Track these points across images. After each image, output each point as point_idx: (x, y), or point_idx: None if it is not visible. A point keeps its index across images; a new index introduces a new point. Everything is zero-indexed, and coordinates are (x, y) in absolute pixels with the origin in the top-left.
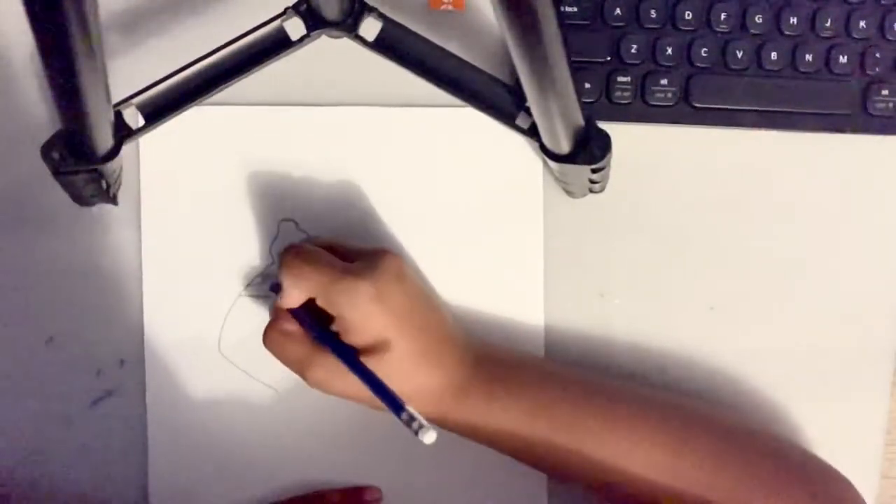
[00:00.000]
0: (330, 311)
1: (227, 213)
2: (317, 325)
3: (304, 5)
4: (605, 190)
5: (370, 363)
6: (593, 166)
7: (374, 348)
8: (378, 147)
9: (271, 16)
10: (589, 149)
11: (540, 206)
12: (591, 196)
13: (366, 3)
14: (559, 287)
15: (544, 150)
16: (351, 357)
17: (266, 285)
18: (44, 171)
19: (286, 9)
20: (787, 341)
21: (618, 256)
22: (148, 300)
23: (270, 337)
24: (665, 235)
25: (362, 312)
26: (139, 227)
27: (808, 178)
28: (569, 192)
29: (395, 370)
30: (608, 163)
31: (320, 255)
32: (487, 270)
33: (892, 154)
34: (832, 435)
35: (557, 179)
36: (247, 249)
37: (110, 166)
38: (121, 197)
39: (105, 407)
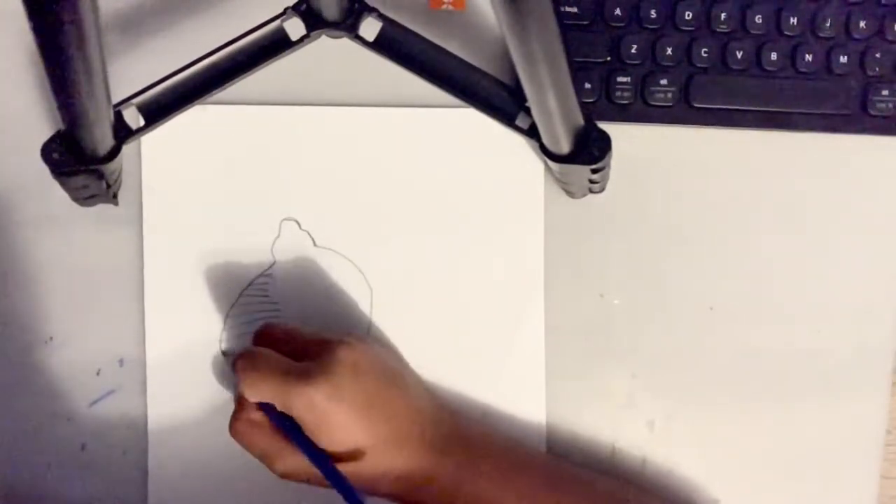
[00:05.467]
0: (290, 414)
1: (228, 213)
2: (281, 416)
3: (304, 5)
4: (605, 190)
5: (336, 459)
6: (593, 166)
7: (333, 444)
8: (378, 147)
9: (271, 16)
10: (589, 149)
11: (540, 206)
12: (591, 196)
13: (366, 3)
14: (559, 287)
15: (544, 150)
16: (313, 453)
17: (267, 285)
18: (44, 171)
19: (286, 9)
20: (787, 341)
21: (618, 256)
22: (149, 300)
23: (236, 428)
24: (665, 235)
25: (319, 414)
26: (140, 226)
27: (808, 178)
28: (569, 193)
29: (355, 461)
30: (608, 163)
31: (271, 360)
32: (487, 271)
33: (892, 154)
34: (832, 435)
35: (557, 180)
36: (248, 249)
37: (111, 166)
38: (121, 197)
39: (105, 407)
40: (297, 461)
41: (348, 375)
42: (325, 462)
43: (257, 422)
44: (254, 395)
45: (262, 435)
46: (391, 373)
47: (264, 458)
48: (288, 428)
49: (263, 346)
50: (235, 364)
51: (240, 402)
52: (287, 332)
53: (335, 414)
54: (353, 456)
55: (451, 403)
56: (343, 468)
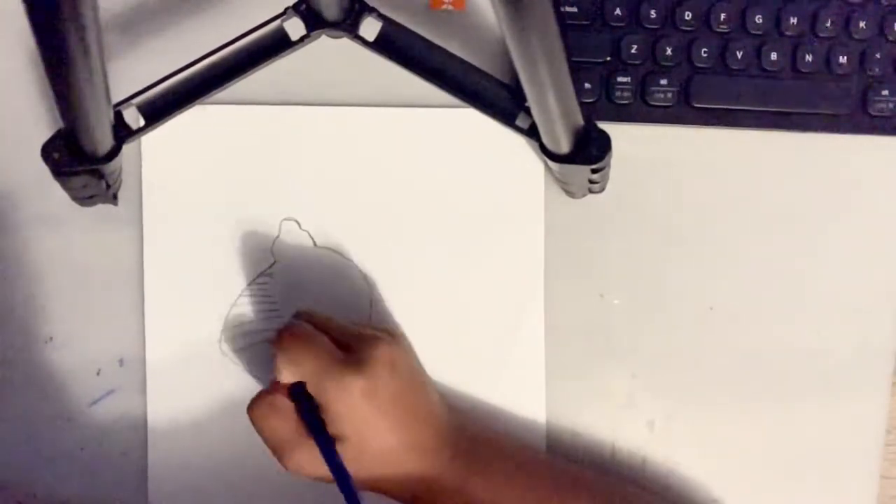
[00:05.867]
0: (318, 398)
1: (228, 213)
2: (309, 406)
3: (304, 5)
4: (605, 190)
5: (348, 452)
6: (593, 166)
7: (355, 439)
8: (378, 147)
9: (271, 16)
10: (589, 149)
11: (541, 206)
12: (591, 196)
13: (366, 3)
14: (559, 287)
15: (544, 150)
16: (330, 451)
17: (267, 285)
18: (44, 171)
19: (286, 9)
20: (786, 341)
21: (618, 256)
22: (149, 300)
23: (258, 408)
24: (665, 235)
25: (350, 407)
26: (139, 226)
27: (808, 178)
28: (569, 193)
29: (371, 459)
30: (608, 163)
31: (317, 340)
32: (487, 270)
33: (892, 154)
34: (832, 435)
35: (557, 180)
36: (248, 249)
37: (110, 166)
38: (121, 197)
39: (105, 407)
40: (309, 457)
41: (385, 374)
42: (333, 455)
43: (281, 407)
44: (291, 370)
45: (282, 422)
46: (418, 376)
47: (277, 447)
48: (308, 410)
49: None
50: (280, 337)
51: (273, 384)
52: (324, 321)
53: (365, 409)
54: (368, 454)
55: (454, 403)
56: (354, 464)
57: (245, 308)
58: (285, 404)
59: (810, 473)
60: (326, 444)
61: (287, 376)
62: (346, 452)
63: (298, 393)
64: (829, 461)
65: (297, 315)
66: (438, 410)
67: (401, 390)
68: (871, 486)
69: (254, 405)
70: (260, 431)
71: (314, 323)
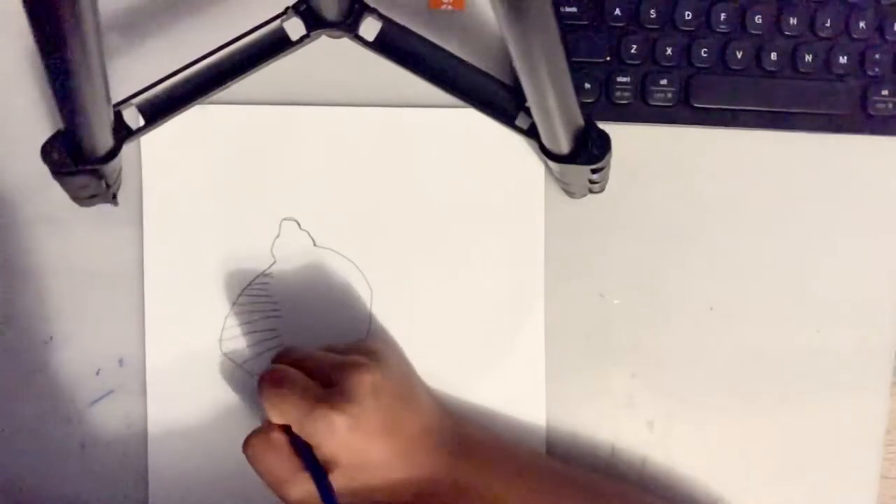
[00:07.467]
0: (307, 440)
1: (228, 213)
2: (302, 444)
3: (304, 5)
4: (605, 190)
5: (344, 477)
6: (593, 166)
7: (349, 466)
8: (378, 147)
9: (271, 16)
10: (589, 149)
11: (541, 206)
12: (591, 196)
13: (365, 3)
14: (559, 287)
15: (544, 150)
16: (324, 487)
17: (267, 285)
18: (44, 171)
19: (286, 9)
20: (786, 341)
21: (618, 256)
22: (149, 300)
23: (253, 447)
24: (665, 235)
25: (339, 443)
26: (140, 226)
27: (808, 178)
28: (569, 193)
29: (367, 477)
30: (608, 163)
31: (296, 382)
32: (487, 270)
33: (892, 154)
34: (832, 435)
35: (557, 180)
36: (248, 249)
37: (110, 166)
38: (121, 197)
39: (105, 407)
40: (309, 490)
41: (369, 400)
42: (327, 490)
43: (275, 443)
44: (276, 414)
45: (278, 458)
46: (405, 389)
47: (276, 484)
48: (300, 446)
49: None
50: (260, 384)
51: (265, 421)
52: (304, 356)
53: (355, 441)
54: (364, 473)
55: (452, 405)
56: (351, 484)
57: (245, 308)
58: (280, 440)
59: (810, 473)
60: (320, 480)
61: (275, 419)
62: (341, 478)
63: (290, 432)
64: (828, 461)
65: (278, 356)
66: (430, 415)
67: (389, 410)
68: (871, 486)
69: (248, 444)
70: (257, 469)
71: (295, 360)
